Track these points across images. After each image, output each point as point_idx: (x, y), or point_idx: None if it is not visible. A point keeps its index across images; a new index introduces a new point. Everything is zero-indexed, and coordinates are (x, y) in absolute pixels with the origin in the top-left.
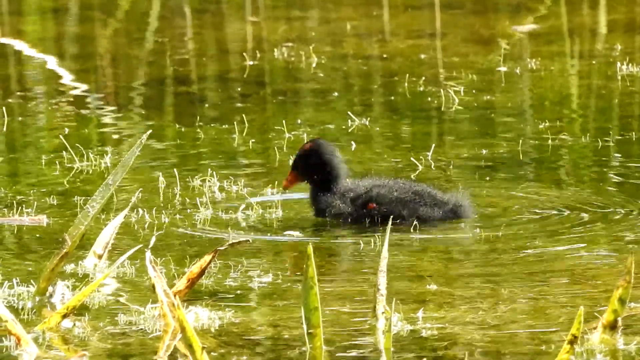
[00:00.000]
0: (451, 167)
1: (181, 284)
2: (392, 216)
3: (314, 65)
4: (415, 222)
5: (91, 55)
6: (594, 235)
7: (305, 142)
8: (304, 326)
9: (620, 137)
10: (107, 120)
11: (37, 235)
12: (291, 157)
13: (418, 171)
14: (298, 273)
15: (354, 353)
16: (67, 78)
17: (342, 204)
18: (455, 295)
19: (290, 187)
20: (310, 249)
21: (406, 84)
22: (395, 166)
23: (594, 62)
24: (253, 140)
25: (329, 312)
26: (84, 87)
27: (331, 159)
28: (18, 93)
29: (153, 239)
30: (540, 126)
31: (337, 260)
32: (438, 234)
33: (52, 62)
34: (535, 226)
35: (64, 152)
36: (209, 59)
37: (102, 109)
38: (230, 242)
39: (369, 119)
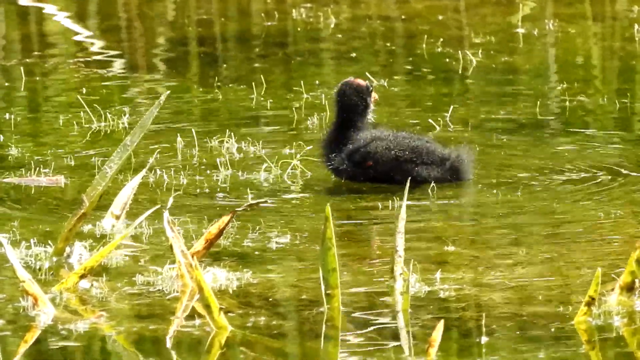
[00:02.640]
0: (469, 128)
1: (199, 244)
2: (390, 177)
3: (332, 26)
4: (410, 183)
5: (111, 15)
6: (612, 197)
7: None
8: (322, 287)
9: (637, 99)
10: (125, 80)
11: (55, 196)
12: (309, 118)
13: (436, 132)
14: (316, 234)
15: (371, 314)
16: (86, 37)
17: (342, 160)
18: (473, 257)
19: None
20: (328, 210)
21: (424, 45)
22: (414, 127)
23: (611, 24)
24: (271, 101)
25: (347, 273)
26: (103, 47)
27: (365, 112)
28: (37, 53)
29: (171, 200)
30: (558, 88)
31: (356, 222)
32: (456, 195)
33: (71, 22)
34: (553, 187)
35: (82, 113)
36: (227, 20)
37: (121, 69)
38: (248, 203)
39: (387, 80)
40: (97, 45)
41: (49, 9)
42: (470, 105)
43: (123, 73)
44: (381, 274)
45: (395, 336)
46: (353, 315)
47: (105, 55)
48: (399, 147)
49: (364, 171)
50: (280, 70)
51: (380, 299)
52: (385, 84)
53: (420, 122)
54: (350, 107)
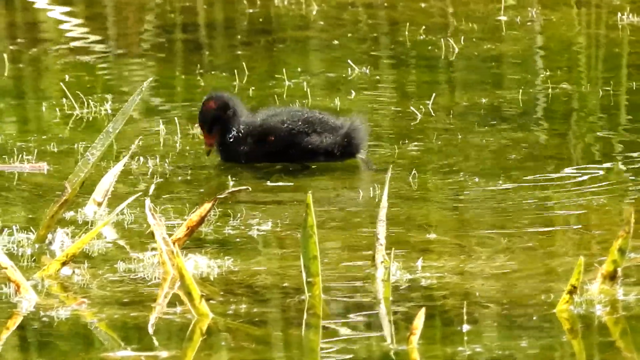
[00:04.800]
0: (451, 115)
1: (180, 232)
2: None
3: (314, 13)
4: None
5: (95, 2)
6: (595, 185)
7: (205, 99)
8: (303, 275)
9: (621, 87)
10: (107, 67)
11: (37, 183)
12: (291, 104)
13: (418, 120)
14: (297, 222)
15: (352, 302)
16: (68, 24)
17: (240, 145)
18: (455, 245)
19: (211, 146)
20: (309, 197)
21: (407, 33)
22: (395, 114)
23: (595, 11)
24: (253, 88)
25: (327, 261)
26: (87, 33)
27: (235, 112)
28: (20, 40)
29: (152, 187)
30: (542, 75)
31: (337, 209)
32: (437, 183)
33: (54, 8)
34: (534, 176)
35: (64, 99)
36: (210, 7)
37: (104, 55)
38: (229, 190)
39: (369, 67)
40: (80, 31)
41: None
42: (452, 93)
43: (106, 60)
44: (362, 262)
45: (377, 324)
46: (334, 303)
47: (88, 41)
48: (292, 120)
49: (264, 148)
50: (263, 58)
51: (362, 287)
52: (368, 71)
53: (402, 110)
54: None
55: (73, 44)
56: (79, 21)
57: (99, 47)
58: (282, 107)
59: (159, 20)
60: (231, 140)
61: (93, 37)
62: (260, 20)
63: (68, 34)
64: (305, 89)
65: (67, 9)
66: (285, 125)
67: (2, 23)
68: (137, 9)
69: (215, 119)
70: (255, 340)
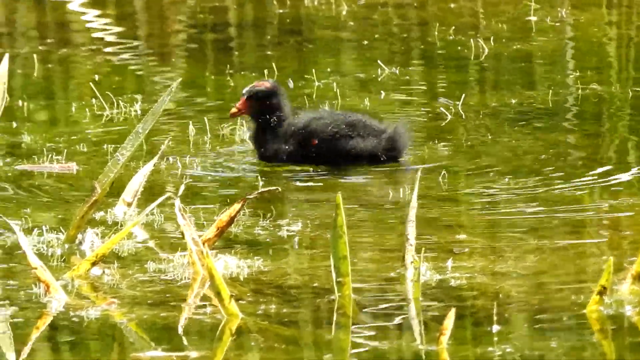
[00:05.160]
0: (481, 116)
1: (210, 232)
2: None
3: (344, 13)
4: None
5: (125, 2)
6: (626, 186)
7: (261, 80)
8: (333, 275)
9: None
10: (137, 67)
11: (67, 183)
12: (321, 105)
13: (447, 120)
14: (327, 222)
15: (382, 302)
16: (99, 25)
17: (285, 145)
18: (485, 245)
19: (240, 114)
20: (339, 197)
21: (436, 33)
22: (425, 115)
23: (625, 11)
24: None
25: (357, 261)
26: (117, 34)
27: (285, 102)
28: (50, 40)
29: (182, 187)
30: (571, 76)
31: (367, 209)
32: (466, 183)
33: (85, 9)
34: (564, 175)
35: (95, 100)
36: (241, 7)
37: (134, 56)
38: (259, 191)
39: (398, 67)
40: (110, 32)
41: None
42: (482, 93)
43: (136, 60)
44: (392, 262)
45: (406, 324)
46: (364, 303)
47: (118, 42)
48: (336, 123)
49: (307, 150)
50: (292, 58)
51: (391, 287)
52: (397, 71)
53: (431, 110)
54: (262, 111)
55: (103, 44)
56: (109, 21)
57: (128, 48)
58: (325, 110)
59: (189, 20)
60: (273, 125)
61: (123, 38)
62: (288, 20)
63: (98, 34)
64: (335, 90)
65: (97, 9)
66: (330, 128)
67: (32, 23)
68: (168, 9)
69: (259, 96)
70: (285, 341)
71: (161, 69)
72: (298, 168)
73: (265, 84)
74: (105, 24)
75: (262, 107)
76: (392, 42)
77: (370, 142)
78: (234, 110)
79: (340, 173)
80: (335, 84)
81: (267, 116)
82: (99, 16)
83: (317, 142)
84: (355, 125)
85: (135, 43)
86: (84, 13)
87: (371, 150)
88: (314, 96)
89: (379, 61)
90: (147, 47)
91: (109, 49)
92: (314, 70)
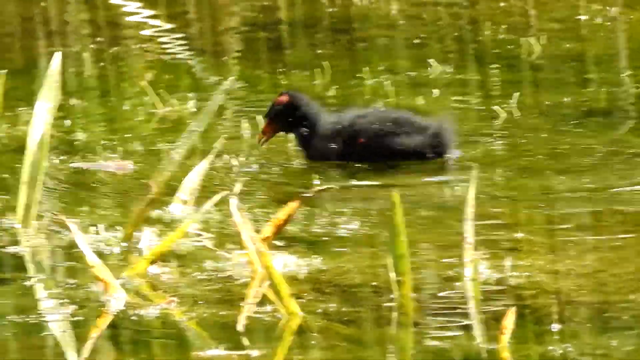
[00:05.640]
0: (534, 114)
1: (268, 230)
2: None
3: (394, 11)
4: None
5: (176, 1)
6: None
7: (280, 94)
8: (392, 273)
9: None
10: (190, 65)
11: (123, 181)
12: (373, 104)
13: (501, 118)
14: (385, 220)
15: (441, 301)
16: (152, 22)
17: (330, 144)
18: (544, 244)
19: (269, 138)
20: (397, 196)
21: (487, 32)
22: (478, 114)
23: None
24: (335, 87)
25: (416, 260)
26: (170, 31)
27: (309, 109)
28: (102, 38)
29: (239, 185)
30: (624, 75)
31: (423, 207)
32: (522, 182)
33: (138, 7)
34: (621, 173)
35: (148, 98)
36: (290, 5)
37: (187, 54)
38: (316, 189)
39: (450, 66)
40: (163, 29)
41: None
42: (534, 92)
43: (189, 58)
44: (451, 261)
45: (466, 323)
46: (423, 302)
47: (171, 40)
48: (381, 121)
49: (353, 149)
50: (344, 56)
51: (451, 286)
52: (449, 70)
53: (485, 109)
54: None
55: (155, 42)
56: (162, 20)
57: (181, 46)
58: (368, 107)
59: (241, 19)
60: (305, 134)
61: (175, 36)
62: (339, 19)
63: (151, 32)
64: (386, 88)
65: (149, 8)
66: (375, 126)
67: (84, 21)
68: (220, 7)
69: (280, 113)
70: (344, 339)
71: (214, 67)
72: (354, 166)
73: (282, 99)
74: (158, 22)
75: (288, 121)
76: (443, 41)
77: (416, 139)
78: (259, 136)
79: (396, 171)
80: (386, 82)
81: (298, 127)
82: (151, 14)
83: (363, 140)
84: (401, 122)
85: (188, 41)
86: (135, 11)
87: (417, 147)
88: (365, 95)
89: (430, 60)
90: (199, 45)
91: (161, 47)
92: (365, 68)
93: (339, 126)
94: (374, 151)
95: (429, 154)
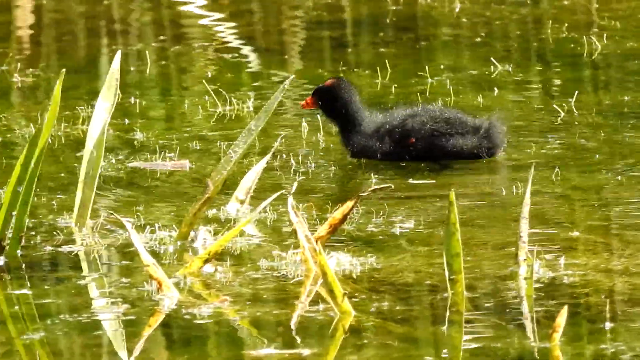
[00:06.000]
0: (593, 113)
1: (323, 229)
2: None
3: (457, 10)
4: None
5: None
6: None
7: (331, 78)
8: (446, 272)
9: None
10: (250, 64)
11: (180, 180)
12: (434, 102)
13: (560, 117)
14: (440, 219)
15: (495, 299)
16: (212, 21)
17: (377, 142)
18: (598, 242)
19: (307, 108)
20: (452, 195)
21: (549, 30)
22: (538, 112)
23: None
24: (396, 85)
25: (470, 259)
26: (229, 30)
27: (352, 99)
28: (161, 37)
29: (295, 185)
30: None
31: (479, 207)
32: (580, 181)
33: (198, 5)
34: None
35: (207, 97)
36: (353, 4)
37: (247, 53)
38: (372, 188)
39: (511, 64)
40: (223, 28)
41: None
42: (595, 91)
43: (248, 57)
44: (505, 260)
45: (519, 321)
46: (477, 300)
47: (232, 38)
48: (432, 121)
49: (404, 148)
50: (405, 55)
51: (504, 284)
52: (510, 69)
53: (544, 107)
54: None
55: (216, 40)
56: (223, 18)
57: (242, 44)
58: (418, 106)
59: (302, 17)
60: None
61: (237, 34)
62: (402, 17)
63: (210, 31)
64: (448, 87)
65: (211, 6)
66: (427, 126)
67: (146, 20)
68: (282, 6)
69: (321, 94)
70: (398, 338)
71: (274, 66)
72: (409, 165)
73: (328, 82)
74: (219, 20)
75: (328, 103)
76: (505, 40)
77: (467, 139)
78: (303, 103)
79: (452, 170)
80: (448, 81)
81: (336, 112)
82: (213, 13)
83: (414, 140)
84: (452, 122)
85: (250, 39)
86: (197, 9)
87: (469, 147)
88: (427, 93)
89: (491, 58)
90: (260, 44)
91: (222, 46)
92: (427, 67)
93: (387, 125)
94: (425, 151)
95: (480, 153)
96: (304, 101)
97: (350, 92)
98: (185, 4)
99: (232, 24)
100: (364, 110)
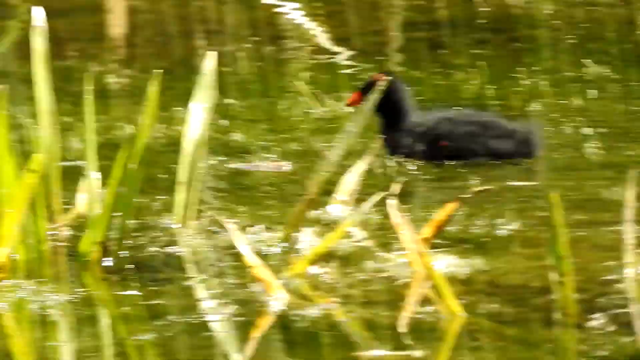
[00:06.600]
0: None
1: (427, 230)
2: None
3: (550, 11)
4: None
5: (332, 1)
6: None
7: (380, 72)
8: (553, 274)
9: None
10: (345, 65)
11: (281, 182)
12: (530, 104)
13: None
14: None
15: (603, 301)
16: (306, 23)
17: (413, 142)
18: None
19: (353, 105)
20: (556, 196)
21: None
22: (635, 114)
23: None
24: (491, 86)
25: (576, 260)
26: (325, 32)
27: (399, 96)
28: (257, 38)
29: (398, 186)
30: None
31: (584, 208)
32: None
33: (293, 7)
34: None
35: (305, 98)
36: (447, 5)
37: (343, 54)
38: (475, 189)
39: (605, 66)
40: (317, 29)
41: None
42: None
43: (345, 58)
44: (611, 262)
45: (630, 324)
46: (585, 303)
47: (325, 40)
48: (467, 124)
49: (438, 151)
50: (499, 56)
51: (612, 287)
52: (603, 70)
53: (638, 110)
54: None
55: (312, 42)
56: (319, 20)
57: (337, 45)
58: (454, 109)
59: (396, 18)
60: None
61: (331, 35)
62: (492, 19)
63: (306, 32)
64: (542, 88)
65: (306, 7)
66: (461, 129)
67: (240, 21)
68: (375, 7)
69: (370, 89)
70: (506, 340)
71: (370, 67)
72: (511, 167)
73: (377, 77)
74: (315, 21)
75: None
76: (599, 41)
77: (503, 143)
78: (348, 100)
79: (553, 172)
80: (542, 82)
81: (383, 110)
82: (308, 14)
83: (447, 143)
84: (487, 126)
85: (345, 41)
86: (293, 12)
87: (505, 150)
88: (521, 95)
89: (585, 60)
90: (356, 45)
91: (317, 47)
92: (521, 68)
93: (422, 127)
94: (457, 154)
95: (514, 157)
96: (349, 99)
97: (398, 89)
98: (279, 6)
99: (327, 25)
100: (410, 109)
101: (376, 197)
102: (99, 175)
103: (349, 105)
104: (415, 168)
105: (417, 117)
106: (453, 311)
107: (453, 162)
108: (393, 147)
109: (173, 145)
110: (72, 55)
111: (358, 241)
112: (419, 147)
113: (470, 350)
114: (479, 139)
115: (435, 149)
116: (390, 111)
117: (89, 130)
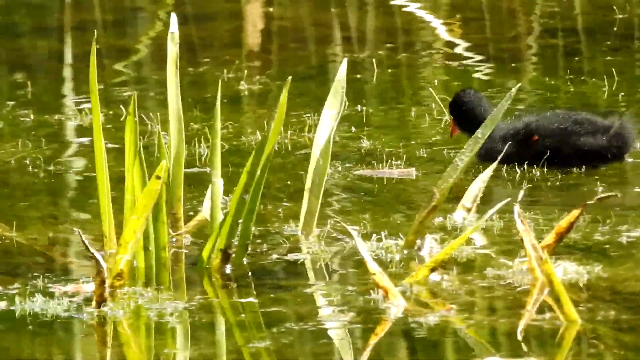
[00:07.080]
0: None
1: (549, 238)
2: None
3: None
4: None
5: (462, 7)
6: None
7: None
8: None
9: None
10: (475, 71)
11: (406, 188)
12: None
13: None
14: None
15: None
16: (438, 29)
17: (502, 144)
18: None
19: (455, 132)
20: None
21: None
22: None
23: None
24: (622, 94)
25: None
26: (459, 38)
27: (473, 109)
28: (388, 44)
29: (522, 193)
30: None
31: None
32: None
33: (424, 12)
34: None
35: (434, 104)
36: (582, 12)
37: (475, 60)
38: (599, 196)
39: None
40: (451, 35)
41: (397, 0)
42: None
43: (473, 64)
44: None
45: None
46: None
47: (459, 46)
48: (561, 121)
49: (529, 150)
50: (632, 63)
51: None
52: None
53: None
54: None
55: (444, 48)
56: (453, 27)
57: (470, 52)
58: (548, 112)
59: (529, 25)
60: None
61: (466, 42)
62: (623, 27)
63: (436, 38)
64: None
65: (434, 12)
66: (555, 125)
67: (377, 27)
68: (512, 14)
69: (451, 111)
70: (624, 347)
71: (503, 74)
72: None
73: (457, 96)
74: (448, 28)
75: (459, 117)
76: None
77: (597, 139)
78: (451, 131)
79: None
80: None
81: (468, 127)
82: (443, 22)
83: (537, 138)
84: (581, 122)
85: (478, 47)
86: (427, 19)
87: (599, 147)
88: None
89: None
90: (490, 51)
91: (450, 53)
92: None
93: (512, 128)
94: (551, 150)
95: (609, 154)
96: (451, 131)
97: (469, 99)
98: (413, 13)
99: (461, 32)
100: (486, 114)
101: (500, 204)
102: (222, 181)
103: (453, 134)
104: (539, 174)
105: (505, 123)
106: (571, 318)
107: (542, 161)
108: (483, 154)
109: (301, 152)
110: (206, 62)
111: (480, 248)
112: (510, 148)
113: (588, 358)
114: (570, 135)
115: (525, 148)
116: (470, 125)
117: (216, 136)
